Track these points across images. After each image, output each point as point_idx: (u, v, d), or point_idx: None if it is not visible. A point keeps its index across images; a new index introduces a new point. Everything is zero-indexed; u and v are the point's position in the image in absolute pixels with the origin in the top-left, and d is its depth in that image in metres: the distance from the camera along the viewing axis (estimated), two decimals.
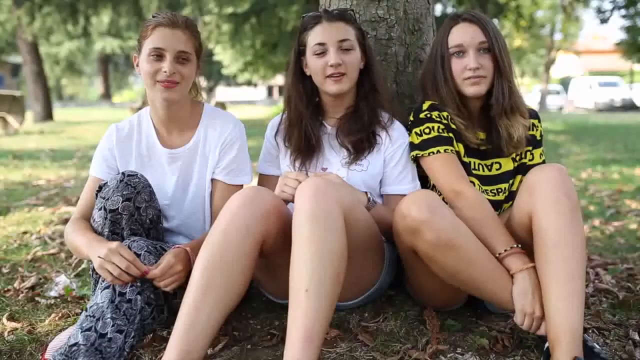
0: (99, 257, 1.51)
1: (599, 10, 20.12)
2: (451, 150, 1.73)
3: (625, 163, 6.01)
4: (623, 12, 20.29)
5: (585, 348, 1.37)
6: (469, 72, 1.71)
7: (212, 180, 1.80)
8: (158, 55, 1.65)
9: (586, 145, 8.41)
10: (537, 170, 1.51)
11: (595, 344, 1.43)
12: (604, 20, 19.61)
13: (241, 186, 1.81)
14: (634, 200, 3.84)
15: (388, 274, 1.79)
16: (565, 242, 1.41)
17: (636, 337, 1.61)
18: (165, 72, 1.64)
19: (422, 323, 1.71)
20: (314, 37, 1.74)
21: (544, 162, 1.84)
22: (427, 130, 1.74)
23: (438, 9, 15.92)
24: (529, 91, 32.18)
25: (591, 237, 2.88)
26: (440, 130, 1.74)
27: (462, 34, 1.72)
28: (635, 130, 11.37)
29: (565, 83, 31.08)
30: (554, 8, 27.67)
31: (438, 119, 1.75)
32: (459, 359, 1.50)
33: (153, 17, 1.71)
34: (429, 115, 1.76)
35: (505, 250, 1.51)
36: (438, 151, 1.71)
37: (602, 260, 2.41)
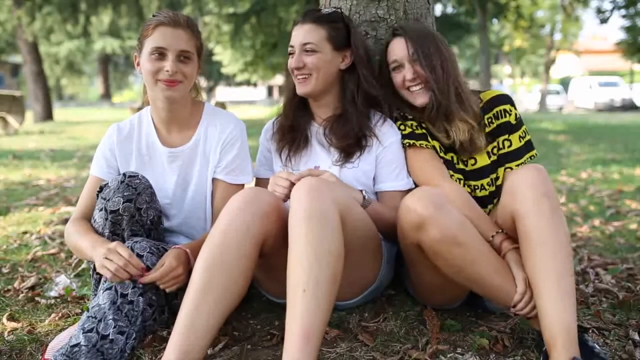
0: (98, 256, 1.51)
1: (599, 10, 20.14)
2: (426, 145, 1.78)
3: (625, 163, 6.01)
4: (623, 12, 20.31)
5: (586, 348, 1.37)
6: (408, 83, 1.78)
7: (213, 179, 1.80)
8: (160, 54, 1.65)
9: (586, 145, 8.41)
10: (516, 172, 1.56)
11: (595, 344, 1.43)
12: (604, 20, 19.63)
13: (242, 186, 1.82)
14: (634, 200, 3.84)
15: (386, 273, 1.79)
16: (549, 242, 1.43)
17: (636, 337, 1.61)
18: (167, 71, 1.64)
19: (422, 323, 1.71)
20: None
21: (526, 144, 1.81)
22: (402, 128, 1.82)
23: (438, 9, 15.94)
24: (529, 91, 32.21)
25: (591, 237, 2.88)
26: (414, 127, 1.81)
27: (395, 50, 1.80)
28: (635, 130, 11.37)
29: (565, 83, 31.08)
30: (554, 8, 27.69)
31: (410, 118, 1.83)
32: (459, 359, 1.50)
33: (154, 16, 1.70)
34: (402, 114, 1.84)
35: (493, 237, 1.58)
36: (414, 144, 1.77)
37: (602, 260, 2.42)
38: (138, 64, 1.74)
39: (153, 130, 1.81)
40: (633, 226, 3.09)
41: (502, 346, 1.57)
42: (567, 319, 1.35)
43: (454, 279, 1.54)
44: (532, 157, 1.81)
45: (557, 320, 1.36)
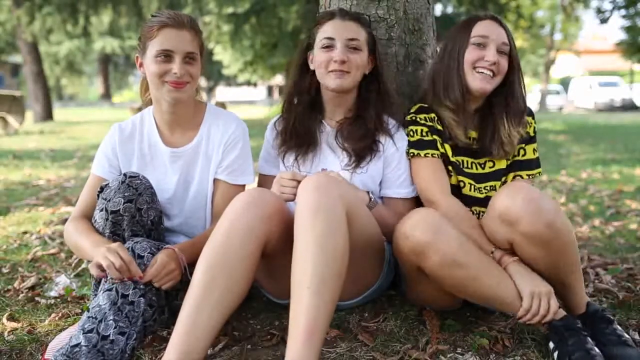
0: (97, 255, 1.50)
1: (599, 10, 20.12)
2: (432, 155, 1.76)
3: (625, 163, 6.01)
4: (623, 12, 20.30)
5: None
6: (484, 63, 1.72)
7: (214, 180, 1.80)
8: (166, 56, 1.65)
9: (586, 145, 8.41)
10: (508, 197, 1.45)
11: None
12: (604, 20, 19.61)
13: (243, 186, 1.82)
14: (634, 200, 3.84)
15: (388, 274, 1.79)
16: (561, 266, 1.51)
17: (636, 336, 1.61)
18: (175, 73, 1.64)
19: (422, 323, 1.71)
20: (323, 31, 1.76)
21: (537, 158, 1.86)
22: (410, 133, 1.79)
23: (438, 9, 15.92)
24: (529, 91, 32.23)
25: (591, 237, 2.88)
26: (424, 134, 1.78)
27: (489, 29, 1.75)
28: (635, 130, 11.37)
29: (565, 83, 31.08)
30: (554, 8, 27.69)
31: (423, 122, 1.79)
32: (459, 359, 1.50)
33: (154, 16, 1.70)
34: (414, 118, 1.81)
35: (492, 252, 1.57)
36: (419, 154, 1.76)
37: (602, 260, 2.41)
38: (140, 65, 1.73)
39: (155, 130, 1.81)
40: (633, 226, 3.09)
41: (502, 346, 1.57)
42: (582, 295, 1.60)
43: (458, 296, 1.55)
44: (539, 174, 1.85)
45: (580, 304, 1.60)
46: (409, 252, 1.48)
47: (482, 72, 1.73)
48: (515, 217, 1.43)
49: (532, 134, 1.86)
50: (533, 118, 1.88)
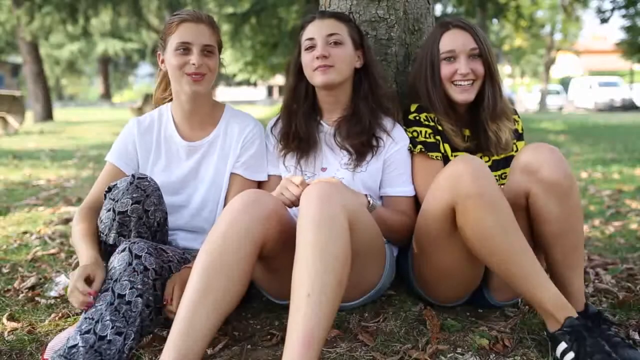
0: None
1: (599, 10, 20.13)
2: (436, 157, 1.78)
3: (625, 163, 6.01)
4: (623, 12, 20.31)
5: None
6: (458, 77, 1.76)
7: (231, 174, 1.85)
8: (185, 49, 1.72)
9: (586, 145, 8.41)
10: (532, 150, 1.53)
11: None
12: (604, 20, 19.61)
13: (257, 183, 1.87)
14: (634, 200, 3.84)
15: (389, 275, 1.78)
16: (570, 230, 1.52)
17: (636, 337, 1.61)
18: (193, 64, 1.71)
19: (422, 323, 1.70)
20: (305, 34, 1.80)
21: None
22: (415, 134, 1.81)
23: (438, 9, 15.93)
24: (529, 91, 32.22)
25: (591, 237, 2.88)
26: (427, 135, 1.80)
27: (454, 40, 1.77)
28: (635, 130, 11.37)
29: (565, 83, 31.09)
30: (554, 8, 27.72)
31: (426, 122, 1.81)
32: (459, 359, 1.50)
33: (175, 15, 1.78)
34: (417, 118, 1.83)
35: None
36: (426, 154, 1.78)
37: (602, 260, 2.41)
38: (162, 62, 1.82)
39: (172, 124, 1.88)
40: (633, 226, 3.09)
41: (502, 346, 1.57)
42: (582, 285, 1.59)
43: (482, 253, 1.48)
44: None
45: (579, 291, 1.57)
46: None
47: (461, 84, 1.77)
48: (537, 165, 1.50)
49: (520, 130, 1.92)
50: (518, 116, 1.94)
